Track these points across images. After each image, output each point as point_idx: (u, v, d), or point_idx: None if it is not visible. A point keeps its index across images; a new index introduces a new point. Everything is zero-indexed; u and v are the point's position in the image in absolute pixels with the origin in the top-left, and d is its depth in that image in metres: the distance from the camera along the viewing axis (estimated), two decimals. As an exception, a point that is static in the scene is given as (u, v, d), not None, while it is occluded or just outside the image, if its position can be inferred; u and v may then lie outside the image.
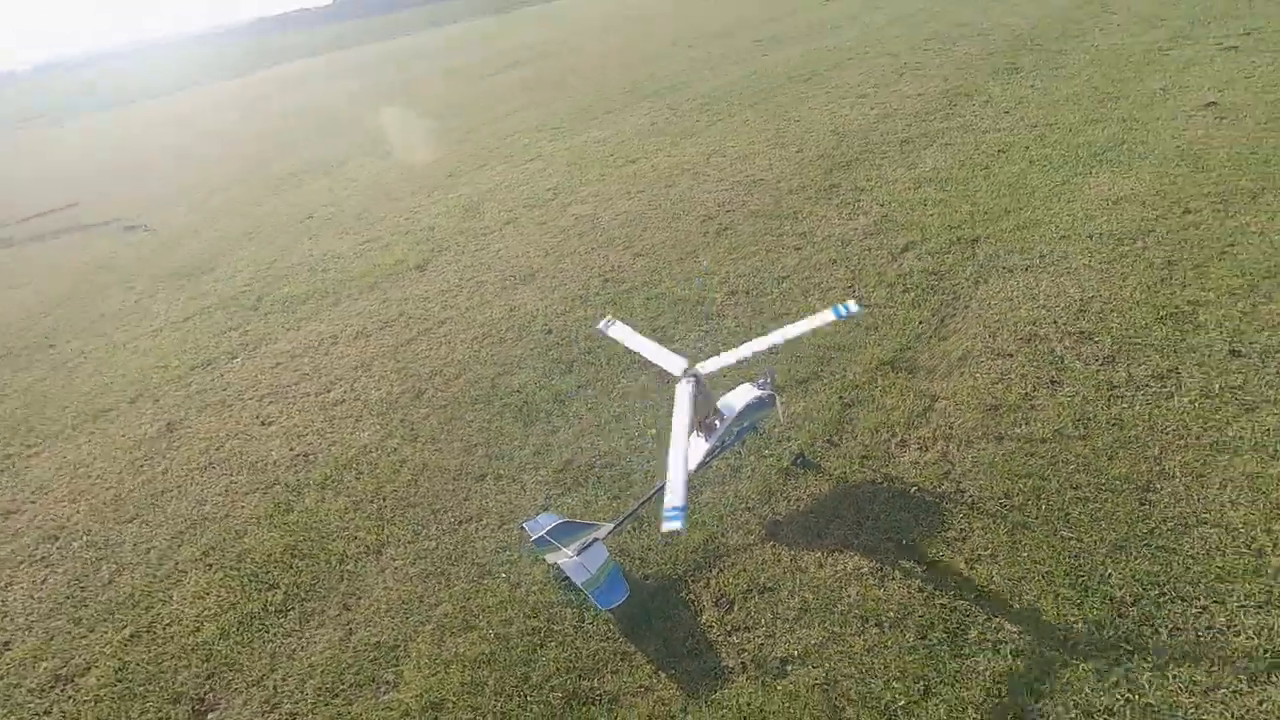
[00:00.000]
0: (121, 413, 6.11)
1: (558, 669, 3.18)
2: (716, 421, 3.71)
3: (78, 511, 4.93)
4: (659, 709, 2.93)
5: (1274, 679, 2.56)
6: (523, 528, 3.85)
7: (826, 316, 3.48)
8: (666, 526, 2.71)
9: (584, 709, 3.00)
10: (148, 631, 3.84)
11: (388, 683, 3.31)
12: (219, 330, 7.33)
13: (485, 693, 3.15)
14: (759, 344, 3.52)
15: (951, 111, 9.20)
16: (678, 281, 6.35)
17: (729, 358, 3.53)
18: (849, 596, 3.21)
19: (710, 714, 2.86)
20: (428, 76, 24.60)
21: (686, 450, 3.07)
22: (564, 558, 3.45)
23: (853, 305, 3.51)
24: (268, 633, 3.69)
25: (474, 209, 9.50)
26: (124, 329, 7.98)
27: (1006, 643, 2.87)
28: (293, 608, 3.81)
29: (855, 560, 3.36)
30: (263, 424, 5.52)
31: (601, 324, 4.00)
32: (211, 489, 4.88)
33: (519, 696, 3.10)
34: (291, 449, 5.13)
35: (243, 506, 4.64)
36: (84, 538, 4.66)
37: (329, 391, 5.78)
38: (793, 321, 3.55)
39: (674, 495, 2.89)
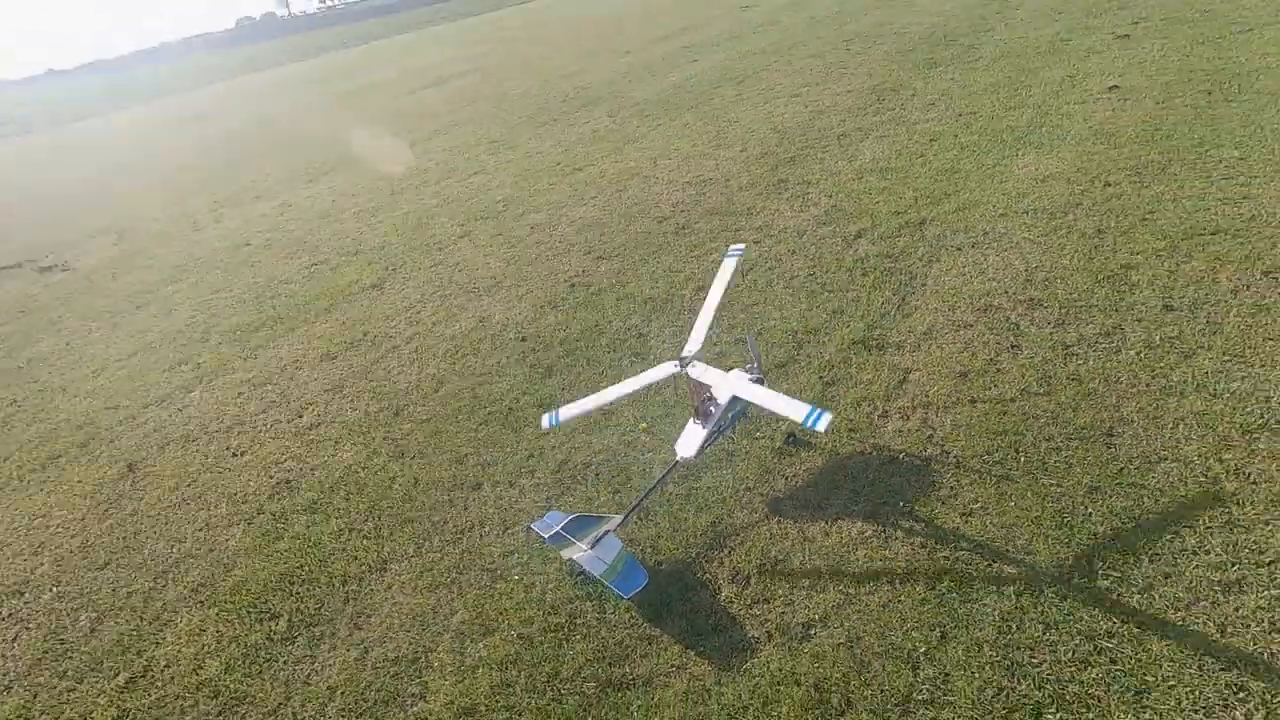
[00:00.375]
0: (73, 458, 5.78)
1: (586, 660, 3.22)
2: (712, 408, 3.83)
3: (42, 564, 4.65)
4: (693, 684, 3.02)
5: (1244, 588, 2.85)
6: (531, 529, 3.88)
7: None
8: (823, 424, 2.86)
9: (619, 694, 3.06)
10: (144, 676, 3.67)
11: (414, 695, 3.28)
12: (168, 365, 7.02)
13: (517, 692, 3.17)
14: (710, 306, 3.73)
15: (881, 106, 9.68)
16: (644, 282, 6.47)
17: (702, 328, 3.67)
18: (858, 560, 3.38)
19: (744, 683, 2.97)
20: (351, 95, 24.06)
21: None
22: (579, 552, 3.50)
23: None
24: (277, 662, 3.59)
25: (424, 225, 9.39)
26: (59, 373, 7.53)
27: (1009, 584, 3.09)
28: (299, 634, 3.72)
29: (859, 526, 3.54)
30: (234, 455, 5.33)
31: (545, 425, 3.71)
32: (189, 525, 4.69)
33: (552, 691, 3.13)
34: (270, 478, 4.98)
35: (227, 540, 4.49)
36: (53, 589, 4.40)
37: (300, 417, 5.63)
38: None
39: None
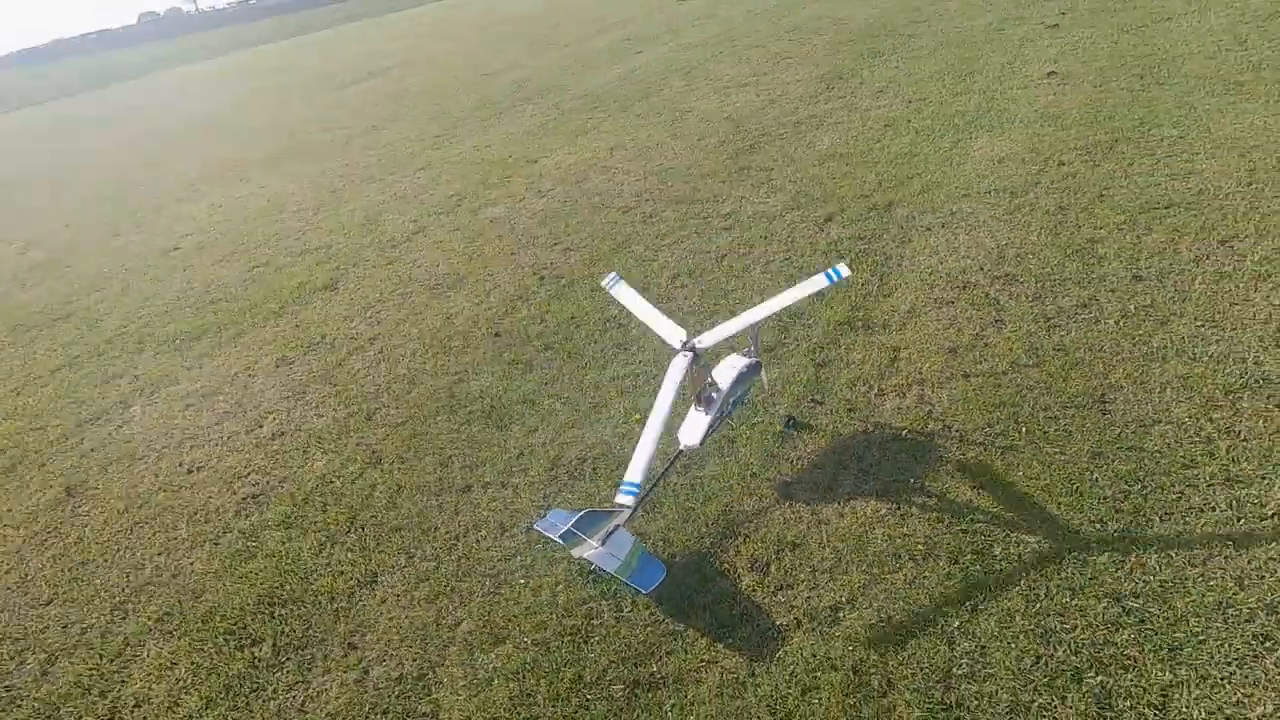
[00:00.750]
0: (-2, 485, 5.22)
1: (611, 662, 3.07)
2: (714, 394, 3.73)
3: (-28, 604, 4.16)
4: (727, 678, 2.91)
5: (1252, 544, 2.94)
6: (534, 529, 3.70)
7: (820, 282, 3.51)
8: (619, 499, 3.05)
9: (650, 694, 2.92)
10: (111, 719, 3.31)
11: (425, 715, 3.06)
12: (102, 379, 6.44)
13: (538, 701, 2.99)
14: (755, 314, 3.59)
15: (831, 94, 9.80)
16: (618, 272, 6.30)
17: (729, 328, 3.58)
18: (877, 539, 3.34)
19: (780, 672, 2.88)
20: (276, 90, 22.89)
21: (661, 429, 3.17)
22: (590, 549, 3.34)
23: (843, 269, 3.46)
24: (265, 691, 3.29)
25: (372, 222, 8.96)
26: (-30, 393, 6.81)
27: (1030, 553, 3.10)
28: (287, 659, 3.43)
29: (872, 505, 3.51)
30: (189, 472, 4.91)
31: (606, 280, 4.05)
32: (146, 550, 4.28)
33: (577, 697, 2.97)
34: (234, 493, 4.61)
35: (192, 562, 4.11)
36: (-10, 632, 3.94)
37: (261, 427, 5.24)
38: (777, 292, 3.60)
39: (634, 471, 3.09)
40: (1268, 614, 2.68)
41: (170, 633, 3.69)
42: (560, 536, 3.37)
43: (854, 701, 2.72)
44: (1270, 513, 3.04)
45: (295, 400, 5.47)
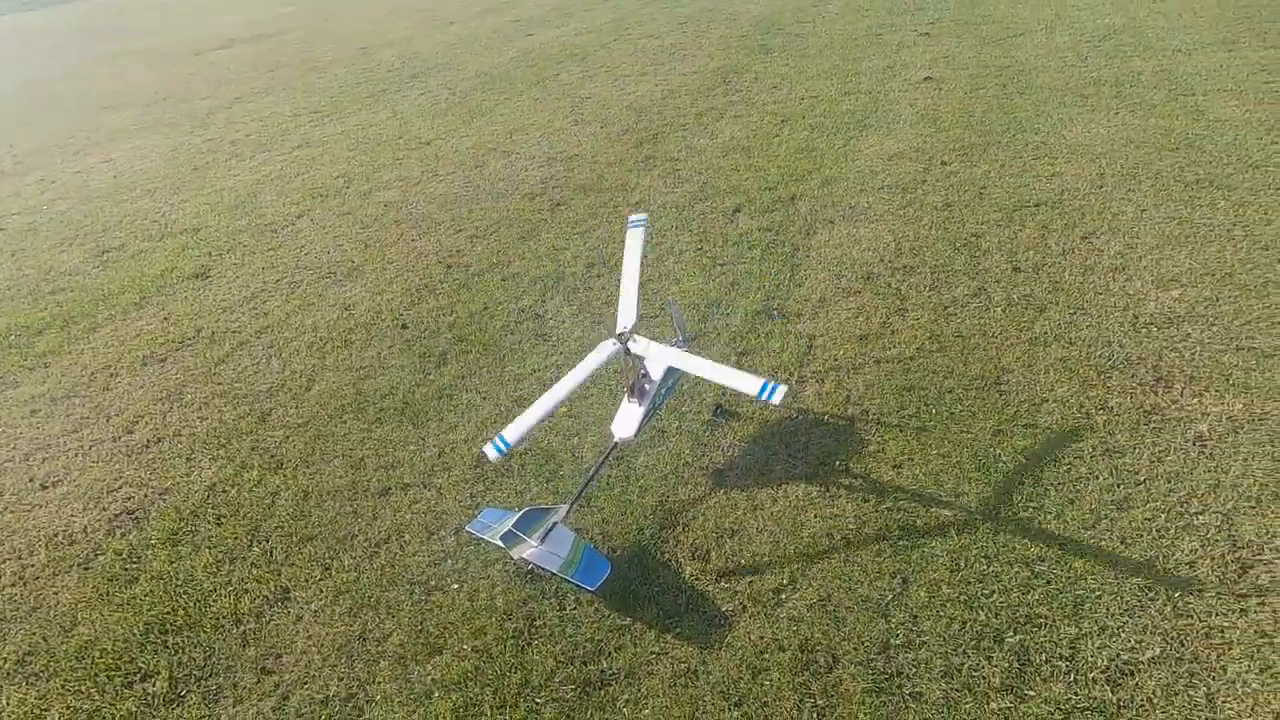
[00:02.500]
0: None
1: (558, 663, 2.99)
2: (646, 385, 3.71)
3: None
4: (679, 668, 2.92)
5: (1131, 504, 3.31)
6: (467, 531, 3.53)
7: (752, 385, 3.00)
8: (486, 448, 3.13)
9: (601, 691, 2.88)
10: (-34, 783, 2.83)
11: (358, 737, 2.84)
12: (-87, 383, 5.45)
13: (484, 710, 2.86)
14: (691, 364, 3.35)
15: (728, 88, 10.02)
16: (529, 261, 6.15)
17: (665, 351, 3.36)
18: (810, 521, 3.46)
19: (730, 657, 2.92)
20: (120, 55, 20.29)
21: (559, 402, 3.21)
22: (529, 549, 3.23)
23: (779, 394, 2.89)
24: (164, 730, 2.93)
25: (247, 204, 8.17)
26: None
27: (949, 526, 3.33)
28: (188, 692, 3.07)
29: (803, 488, 3.63)
30: (43, 488, 4.27)
31: (633, 217, 3.76)
32: (-6, 582, 3.68)
33: (525, 702, 2.87)
34: (103, 510, 4.06)
35: (57, 592, 3.58)
36: None
37: (131, 433, 4.64)
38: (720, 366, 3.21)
39: (512, 431, 3.15)
40: (1150, 568, 3.04)
41: (35, 675, 3.20)
42: (501, 538, 3.24)
43: (803, 679, 2.82)
44: (1143, 478, 3.45)
45: (171, 402, 4.89)
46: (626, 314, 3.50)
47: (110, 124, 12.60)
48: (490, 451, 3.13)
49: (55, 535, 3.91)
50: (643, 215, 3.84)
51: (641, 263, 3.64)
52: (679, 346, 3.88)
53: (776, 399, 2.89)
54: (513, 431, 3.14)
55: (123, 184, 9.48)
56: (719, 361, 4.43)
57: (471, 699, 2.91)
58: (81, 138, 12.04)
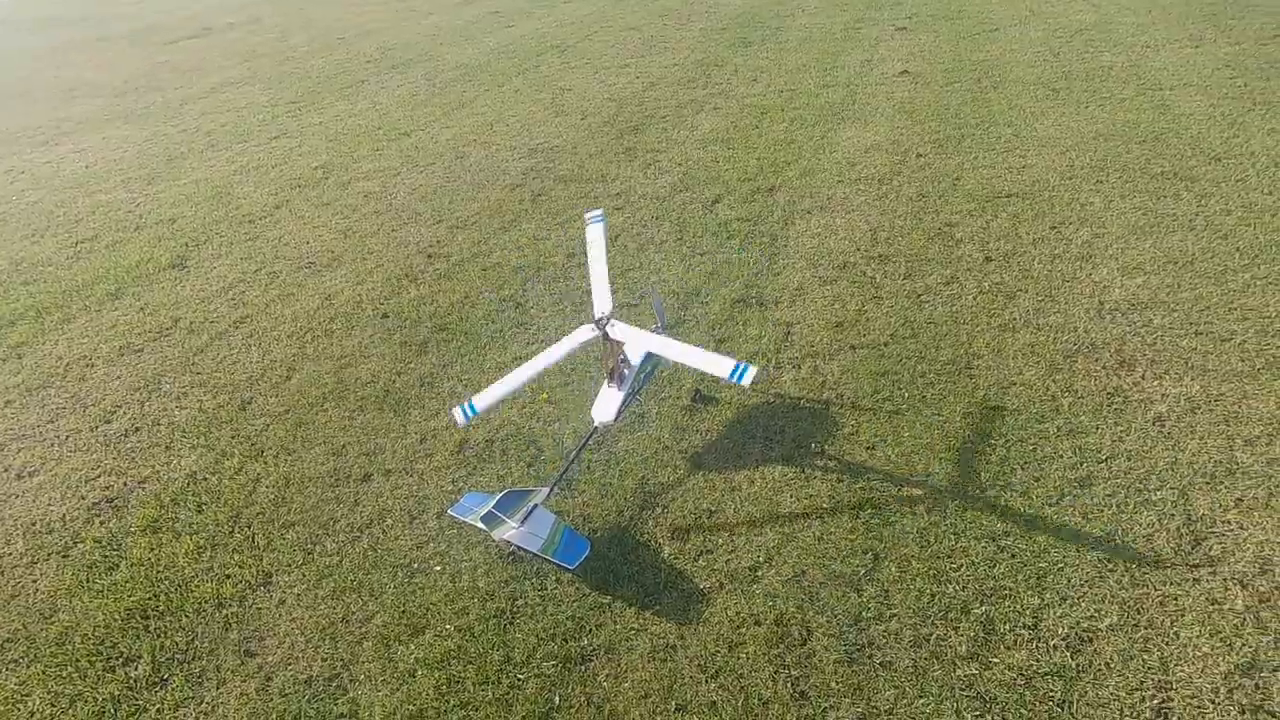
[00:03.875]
0: None
1: (539, 640, 3.05)
2: (625, 370, 3.77)
3: None
4: (658, 642, 2.99)
5: (1093, 482, 3.44)
6: (449, 514, 3.57)
7: (725, 367, 3.09)
8: (749, 379, 2.99)
9: (582, 667, 2.94)
10: (-54, 767, 2.83)
11: (341, 716, 2.88)
12: (-119, 375, 5.36)
13: (467, 687, 2.91)
14: (669, 348, 3.42)
15: (708, 80, 10.08)
16: (510, 251, 6.17)
17: (644, 337, 3.46)
18: (786, 502, 3.55)
19: (707, 632, 3.00)
20: (90, 43, 19.86)
21: (530, 377, 3.37)
22: (510, 530, 3.29)
23: (750, 375, 2.99)
24: (147, 712, 2.95)
25: (225, 194, 8.08)
26: None
27: (919, 504, 3.44)
28: (171, 675, 3.09)
29: (779, 470, 3.72)
30: (19, 477, 4.24)
31: (590, 215, 3.83)
32: (-30, 571, 3.66)
33: (507, 678, 2.93)
34: (82, 498, 4.04)
35: (36, 580, 3.57)
36: None
37: (109, 423, 4.62)
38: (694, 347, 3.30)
39: (482, 399, 3.30)
40: (1109, 541, 3.16)
41: (16, 661, 3.20)
42: (481, 519, 3.29)
43: (778, 652, 2.90)
44: (1105, 456, 3.57)
45: (149, 392, 4.87)
46: (602, 302, 3.56)
47: (80, 113, 12.36)
48: (458, 415, 3.36)
49: (33, 524, 3.89)
50: (599, 210, 3.92)
51: (606, 253, 3.71)
52: (658, 333, 3.95)
53: (746, 381, 2.99)
54: (482, 400, 3.34)
55: (95, 174, 9.33)
56: (701, 345, 4.52)
57: (454, 676, 2.96)
58: (51, 127, 11.80)
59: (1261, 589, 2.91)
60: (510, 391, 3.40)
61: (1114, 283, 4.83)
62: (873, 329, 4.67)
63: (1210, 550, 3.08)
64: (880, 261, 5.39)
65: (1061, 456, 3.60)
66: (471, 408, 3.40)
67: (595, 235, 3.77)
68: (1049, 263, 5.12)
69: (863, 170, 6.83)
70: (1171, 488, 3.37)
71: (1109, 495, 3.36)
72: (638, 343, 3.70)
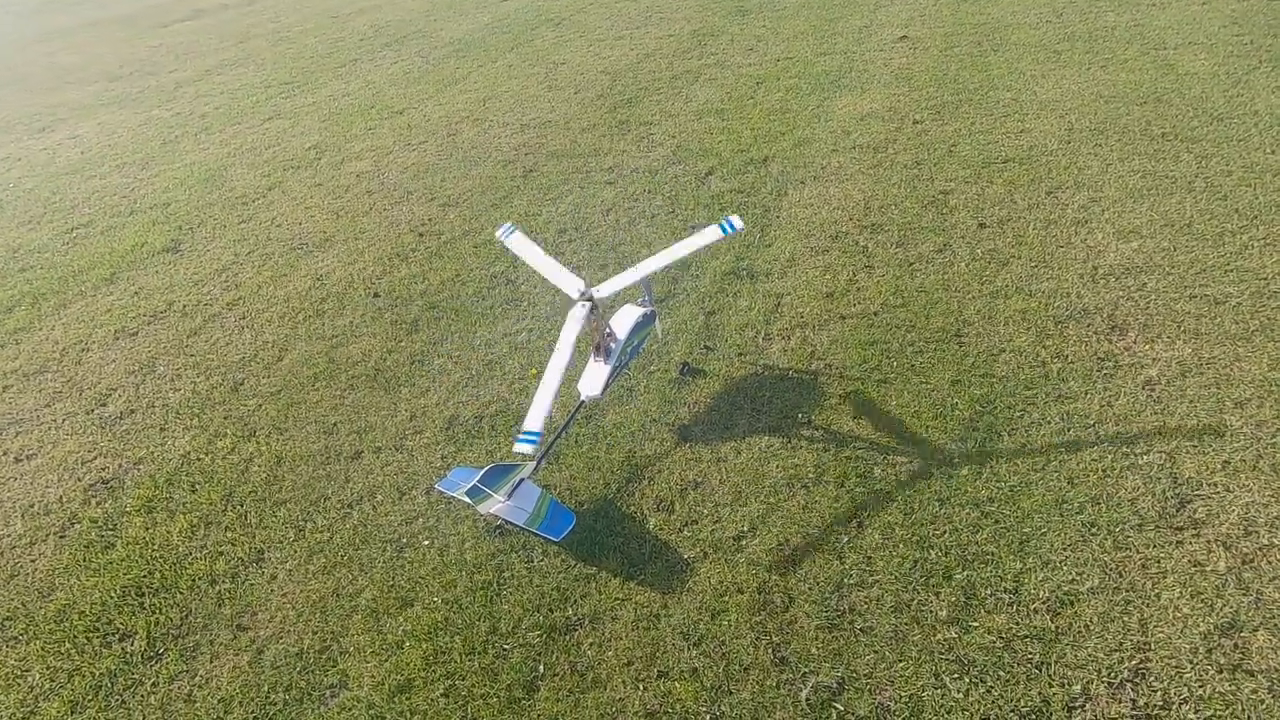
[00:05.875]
0: None
1: (525, 611, 3.09)
2: (612, 344, 3.77)
3: None
4: (642, 611, 3.02)
5: (1080, 447, 3.42)
6: (437, 489, 3.60)
7: (714, 234, 3.67)
8: (517, 448, 2.99)
9: (567, 637, 2.98)
10: (-50, 740, 2.91)
11: (332, 686, 2.94)
12: (-117, 362, 5.43)
13: (454, 657, 2.96)
14: (652, 264, 3.62)
15: (704, 50, 9.91)
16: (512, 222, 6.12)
17: (626, 279, 3.59)
18: (772, 472, 3.55)
19: (690, 601, 3.03)
20: (81, 29, 19.74)
21: (561, 377, 3.16)
22: (496, 504, 3.31)
23: (737, 221, 3.70)
24: (143, 685, 3.02)
25: (218, 177, 8.07)
26: None
27: (905, 472, 3.44)
28: (166, 649, 3.15)
29: (766, 440, 3.72)
30: (17, 460, 4.30)
31: (501, 231, 3.91)
32: (-29, 552, 3.73)
33: (493, 648, 2.97)
34: (79, 480, 4.10)
35: (34, 560, 3.64)
36: None
37: (105, 405, 4.67)
38: (677, 241, 3.70)
39: (533, 420, 3.04)
40: (1093, 505, 3.15)
41: (15, 638, 3.27)
42: (466, 493, 3.31)
43: (760, 619, 2.92)
44: (1092, 422, 3.55)
45: (144, 375, 4.91)
46: (569, 284, 3.54)
47: (75, 99, 12.33)
48: (525, 447, 3.03)
49: (31, 506, 3.96)
50: (507, 224, 4.00)
51: (538, 246, 3.79)
52: (644, 309, 3.94)
53: (739, 224, 3.63)
54: (533, 420, 3.05)
55: (90, 159, 9.32)
56: (688, 322, 4.52)
57: (441, 647, 3.00)
58: (46, 114, 11.78)
59: (1245, 550, 2.90)
60: (552, 397, 3.14)
61: (1109, 247, 4.76)
62: (863, 298, 4.64)
63: (1195, 513, 3.07)
64: (873, 231, 5.33)
65: (1049, 422, 3.58)
66: (530, 433, 3.04)
67: (518, 242, 3.84)
68: (1043, 228, 5.04)
69: (858, 139, 6.73)
70: (1159, 451, 3.35)
71: (1095, 460, 3.35)
72: (618, 319, 3.71)
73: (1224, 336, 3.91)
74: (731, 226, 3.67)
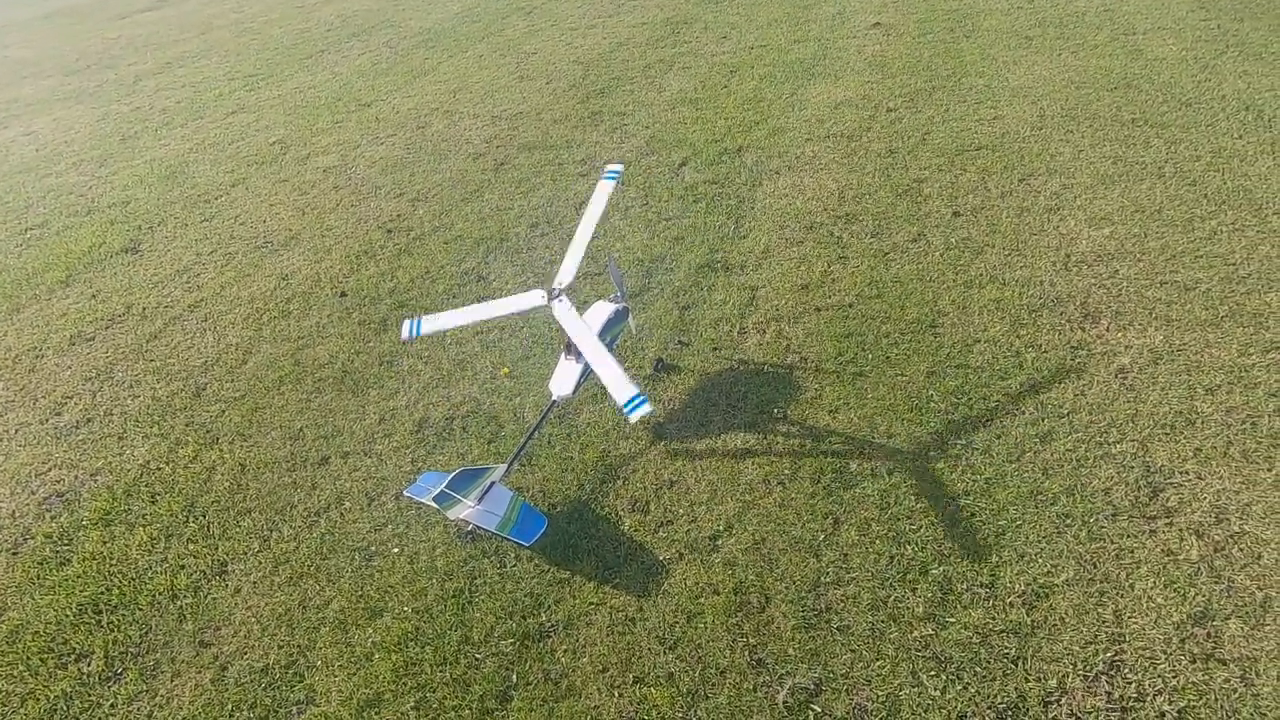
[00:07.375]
0: None
1: (498, 618, 3.02)
2: (583, 342, 3.68)
3: None
4: (616, 616, 2.96)
5: (1054, 437, 3.41)
6: (406, 496, 3.51)
7: (607, 188, 3.65)
8: (637, 415, 2.77)
9: (541, 644, 2.92)
10: (-104, 771, 2.78)
11: (299, 703, 2.85)
12: None
13: (425, 669, 2.89)
14: (583, 233, 3.50)
15: (677, 38, 9.79)
16: (472, 223, 6.02)
17: (574, 257, 3.46)
18: (748, 469, 3.51)
19: (666, 604, 2.98)
20: (38, 20, 19.09)
21: (602, 350, 3.05)
22: (466, 509, 3.23)
23: (614, 167, 3.77)
24: (101, 707, 2.91)
25: (179, 174, 7.83)
26: None
27: (880, 466, 3.41)
28: (125, 669, 3.04)
29: (742, 437, 3.67)
30: (-33, 474, 4.14)
31: (405, 331, 3.40)
32: (-82, 572, 3.57)
33: (465, 658, 2.90)
34: (31, 493, 3.95)
35: (-15, 578, 3.50)
36: None
37: (59, 415, 4.50)
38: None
39: (625, 388, 2.86)
40: (1068, 496, 3.14)
41: (-35, 661, 3.14)
42: (434, 499, 3.22)
43: (736, 620, 2.88)
44: (1066, 411, 3.54)
45: (101, 381, 4.74)
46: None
47: (30, 94, 11.92)
48: (405, 329, 3.34)
49: (-18, 521, 3.81)
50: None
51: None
52: (616, 304, 3.86)
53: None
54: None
55: (46, 157, 9.01)
56: (662, 316, 4.44)
57: (411, 659, 2.93)
58: (0, 109, 11.38)
59: (1216, 538, 2.90)
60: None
61: (1081, 234, 4.76)
62: (838, 290, 4.60)
63: (1167, 501, 3.07)
64: (847, 221, 5.29)
65: (1023, 412, 3.57)
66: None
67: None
68: (1017, 216, 5.03)
69: (832, 127, 6.68)
70: (1131, 440, 3.35)
71: (1069, 450, 3.34)
72: (571, 328, 3.57)
73: (1194, 323, 3.93)
74: (615, 175, 3.73)
